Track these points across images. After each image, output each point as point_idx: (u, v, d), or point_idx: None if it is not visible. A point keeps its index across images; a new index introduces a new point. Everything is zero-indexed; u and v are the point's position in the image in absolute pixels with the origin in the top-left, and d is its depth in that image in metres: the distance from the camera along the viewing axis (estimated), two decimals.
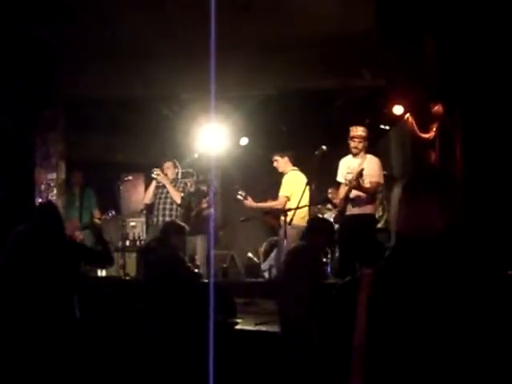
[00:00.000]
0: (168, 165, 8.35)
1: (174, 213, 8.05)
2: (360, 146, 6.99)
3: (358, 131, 7.00)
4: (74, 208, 8.75)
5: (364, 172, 6.83)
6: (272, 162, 7.90)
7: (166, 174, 8.22)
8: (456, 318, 1.72)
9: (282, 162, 7.82)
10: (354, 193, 6.85)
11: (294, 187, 7.49)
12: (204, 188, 9.11)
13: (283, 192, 7.62)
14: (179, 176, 8.44)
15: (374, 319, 1.74)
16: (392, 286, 1.78)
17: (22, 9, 6.43)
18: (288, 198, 7.52)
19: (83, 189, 8.96)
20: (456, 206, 1.88)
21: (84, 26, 6.71)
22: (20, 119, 7.35)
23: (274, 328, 6.20)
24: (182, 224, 7.20)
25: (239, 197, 7.88)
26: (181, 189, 8.20)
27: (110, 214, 8.57)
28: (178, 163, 8.48)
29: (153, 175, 8.14)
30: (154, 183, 8.27)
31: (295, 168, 7.77)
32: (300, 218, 7.24)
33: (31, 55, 7.08)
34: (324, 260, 6.18)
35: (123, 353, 5.42)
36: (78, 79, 7.77)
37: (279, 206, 7.58)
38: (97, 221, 8.54)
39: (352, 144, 7.00)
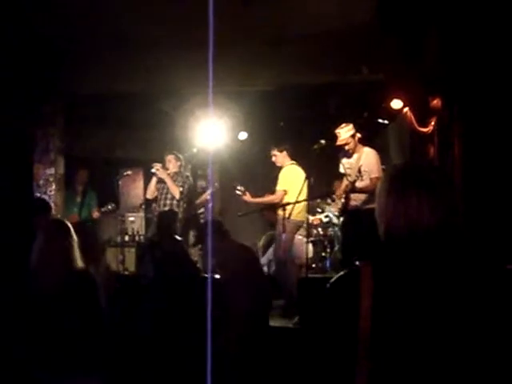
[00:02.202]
0: (169, 158, 8.34)
1: (175, 208, 8.03)
2: (351, 145, 7.02)
3: (342, 136, 7.00)
4: (74, 204, 8.74)
5: (362, 168, 6.87)
6: (270, 157, 7.91)
7: (167, 168, 8.20)
8: (455, 312, 1.73)
9: (280, 157, 7.78)
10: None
11: (292, 181, 7.48)
12: (203, 183, 9.14)
13: (280, 186, 7.58)
14: (182, 169, 8.42)
15: (378, 311, 1.74)
16: (392, 281, 1.78)
17: (22, 5, 6.42)
18: (285, 192, 7.49)
19: (86, 188, 8.95)
20: (450, 203, 1.87)
21: (84, 22, 6.69)
22: (20, 114, 7.35)
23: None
24: (174, 210, 7.24)
25: (238, 192, 7.88)
26: (180, 183, 8.18)
27: (110, 207, 8.58)
28: (180, 156, 8.45)
29: (152, 170, 8.13)
30: (154, 178, 8.26)
31: (293, 162, 7.74)
32: (297, 212, 7.27)
33: (31, 51, 7.07)
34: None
35: (131, 348, 5.41)
36: (78, 75, 7.76)
37: (277, 200, 7.56)
38: (97, 214, 8.56)
39: (345, 148, 7.04)
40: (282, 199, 7.50)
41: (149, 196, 8.44)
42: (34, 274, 3.72)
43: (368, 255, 1.86)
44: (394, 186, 1.90)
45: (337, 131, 7.03)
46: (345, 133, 6.99)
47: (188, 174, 8.48)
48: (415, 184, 1.86)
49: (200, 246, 6.72)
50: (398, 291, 1.77)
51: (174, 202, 8.07)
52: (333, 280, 1.90)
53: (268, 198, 7.88)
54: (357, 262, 1.85)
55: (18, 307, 3.82)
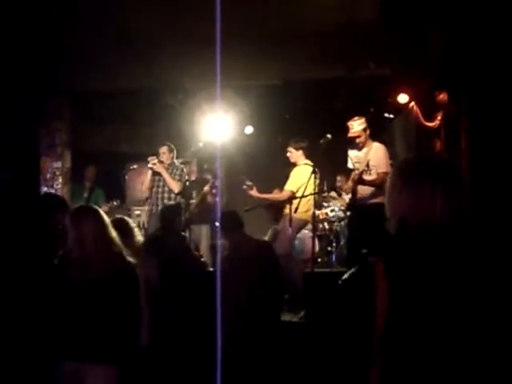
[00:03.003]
0: (163, 150, 8.28)
1: (172, 201, 7.97)
2: (362, 138, 7.01)
3: (354, 128, 6.98)
4: (81, 199, 8.77)
5: (370, 163, 6.85)
6: (277, 150, 7.86)
7: (161, 161, 8.15)
8: (470, 309, 1.73)
9: (295, 154, 7.64)
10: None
11: (302, 182, 7.28)
12: (208, 177, 9.14)
13: (290, 186, 7.47)
14: (174, 159, 8.40)
15: (394, 307, 1.73)
16: (406, 276, 1.78)
17: (26, 2, 6.43)
18: (293, 193, 7.36)
19: (94, 185, 9.00)
20: (461, 195, 1.87)
21: (89, 16, 6.70)
22: (26, 108, 7.35)
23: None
24: (178, 204, 7.22)
25: (245, 186, 7.82)
26: (177, 177, 8.12)
27: (115, 203, 8.60)
28: (173, 146, 8.40)
29: (149, 165, 8.09)
30: (149, 171, 8.20)
31: (308, 162, 7.54)
32: (303, 211, 7.23)
33: (36, 45, 7.07)
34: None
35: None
36: (84, 69, 7.76)
37: (283, 199, 7.50)
38: (105, 208, 8.57)
39: (356, 141, 7.04)
40: (288, 198, 7.42)
41: (145, 189, 8.41)
42: (82, 262, 3.67)
43: (378, 250, 1.85)
44: (406, 179, 1.89)
45: (349, 123, 7.01)
46: (358, 125, 6.98)
47: (182, 165, 8.44)
48: (428, 176, 1.86)
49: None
50: (412, 288, 1.76)
51: (172, 195, 8.04)
52: (345, 277, 1.87)
53: (274, 196, 7.85)
54: (368, 258, 1.84)
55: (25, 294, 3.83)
